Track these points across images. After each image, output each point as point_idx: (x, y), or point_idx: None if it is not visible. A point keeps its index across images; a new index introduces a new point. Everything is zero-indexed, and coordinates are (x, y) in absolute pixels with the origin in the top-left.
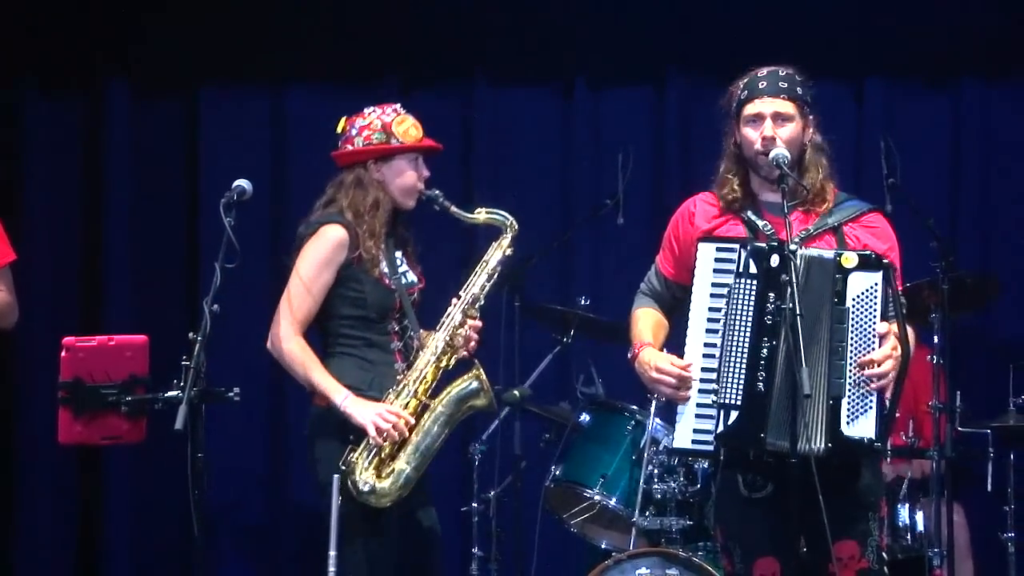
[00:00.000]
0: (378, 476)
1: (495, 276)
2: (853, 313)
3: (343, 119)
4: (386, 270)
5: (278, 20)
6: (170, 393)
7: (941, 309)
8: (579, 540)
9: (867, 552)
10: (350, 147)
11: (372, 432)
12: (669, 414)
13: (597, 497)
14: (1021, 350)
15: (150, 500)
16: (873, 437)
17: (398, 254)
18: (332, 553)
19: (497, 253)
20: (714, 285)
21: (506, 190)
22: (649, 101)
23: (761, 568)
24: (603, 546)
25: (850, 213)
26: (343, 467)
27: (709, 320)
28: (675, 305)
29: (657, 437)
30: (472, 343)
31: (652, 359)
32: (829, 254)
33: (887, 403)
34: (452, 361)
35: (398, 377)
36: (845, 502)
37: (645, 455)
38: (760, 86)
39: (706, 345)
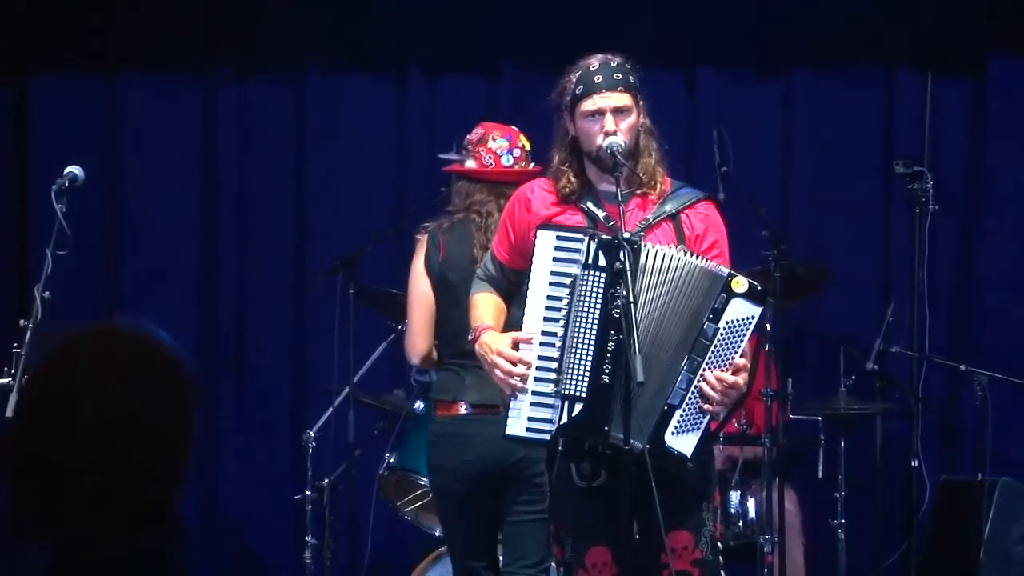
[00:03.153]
0: None
1: None
2: (721, 335)
3: (522, 136)
4: None
5: (110, 5)
6: (1, 381)
7: (773, 297)
8: (413, 527)
9: (701, 543)
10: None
11: None
12: None
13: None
14: (851, 337)
15: None
16: (688, 456)
17: None
18: None
19: None
20: (553, 274)
21: (340, 177)
22: (483, 90)
23: (593, 557)
24: (437, 533)
25: (686, 200)
26: None
27: (548, 309)
28: (511, 290)
29: None
30: None
31: (493, 341)
32: (723, 271)
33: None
34: None
35: None
36: (679, 493)
37: None
38: (596, 80)
39: (544, 334)
